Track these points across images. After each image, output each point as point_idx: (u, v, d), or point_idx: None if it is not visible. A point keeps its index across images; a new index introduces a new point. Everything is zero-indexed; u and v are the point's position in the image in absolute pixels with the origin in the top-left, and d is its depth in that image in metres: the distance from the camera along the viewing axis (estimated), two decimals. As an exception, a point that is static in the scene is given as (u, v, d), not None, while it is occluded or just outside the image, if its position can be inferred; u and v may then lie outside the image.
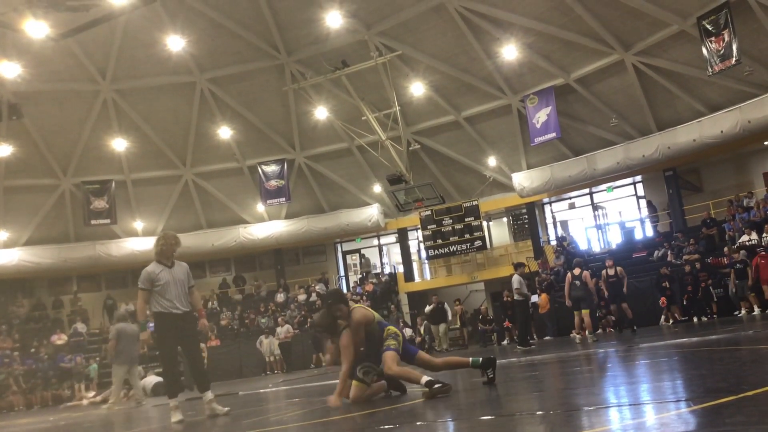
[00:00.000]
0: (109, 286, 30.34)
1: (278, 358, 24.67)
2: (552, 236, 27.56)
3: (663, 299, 19.29)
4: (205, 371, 8.22)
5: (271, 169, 27.87)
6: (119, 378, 13.21)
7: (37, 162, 26.37)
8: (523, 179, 25.69)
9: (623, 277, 16.91)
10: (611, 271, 16.90)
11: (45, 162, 26.62)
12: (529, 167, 25.86)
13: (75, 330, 27.15)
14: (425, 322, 23.89)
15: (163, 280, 7.78)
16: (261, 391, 13.41)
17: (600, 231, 26.65)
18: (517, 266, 16.71)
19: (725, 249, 19.50)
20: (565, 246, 24.97)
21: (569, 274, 16.01)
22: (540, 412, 4.79)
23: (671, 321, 19.10)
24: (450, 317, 23.07)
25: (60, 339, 26.12)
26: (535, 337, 20.84)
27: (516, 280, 16.04)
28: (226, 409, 7.87)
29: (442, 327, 23.22)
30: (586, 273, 15.98)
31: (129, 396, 15.52)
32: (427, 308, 23.85)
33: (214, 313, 28.15)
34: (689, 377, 6.28)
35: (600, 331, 17.36)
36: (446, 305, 23.80)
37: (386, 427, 5.06)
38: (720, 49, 19.31)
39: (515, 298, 16.36)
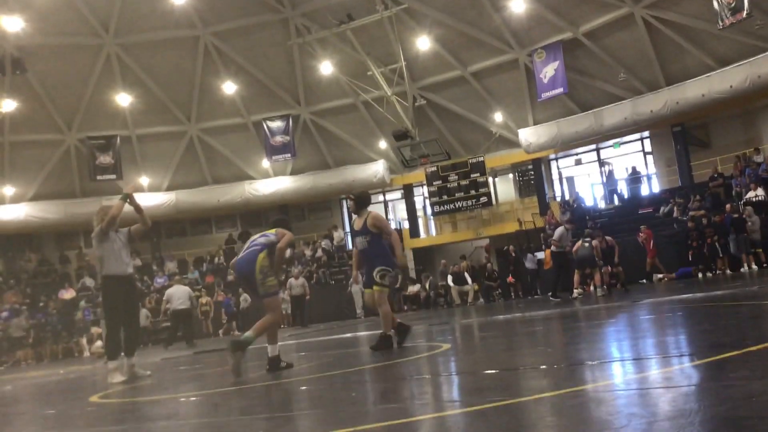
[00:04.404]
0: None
1: (286, 312, 24.80)
2: (558, 193, 27.47)
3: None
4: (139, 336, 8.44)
5: (276, 124, 27.75)
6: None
7: (42, 117, 26.30)
8: (529, 135, 25.53)
9: (614, 246, 17.36)
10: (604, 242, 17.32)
11: (50, 117, 26.54)
12: (535, 123, 25.68)
13: (83, 284, 27.39)
14: (448, 279, 23.64)
15: (116, 244, 7.86)
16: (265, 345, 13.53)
17: (606, 187, 26.55)
18: (568, 221, 17.05)
19: (727, 206, 19.44)
20: (571, 204, 24.93)
21: (579, 242, 16.20)
22: (543, 366, 4.83)
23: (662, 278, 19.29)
24: (470, 282, 23.05)
25: (69, 293, 26.35)
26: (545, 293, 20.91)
27: (558, 231, 16.23)
28: (148, 372, 8.12)
29: (466, 287, 23.10)
30: (595, 242, 16.30)
31: None
32: (452, 268, 23.55)
33: (221, 269, 28.33)
34: (693, 332, 6.31)
35: (604, 287, 17.39)
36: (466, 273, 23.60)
37: (392, 380, 5.11)
38: (731, 2, 18.98)
39: (552, 249, 16.57)
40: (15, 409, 7.20)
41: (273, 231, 6.98)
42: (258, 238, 6.90)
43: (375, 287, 7.46)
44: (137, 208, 8.03)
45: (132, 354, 8.06)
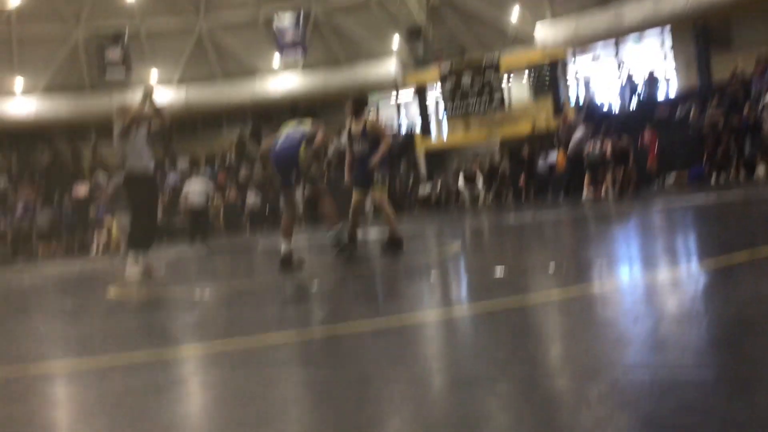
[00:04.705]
0: (128, 138, 30.47)
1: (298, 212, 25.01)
2: (573, 94, 26.96)
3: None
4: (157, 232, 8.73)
5: (287, 21, 27.12)
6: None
7: (49, 9, 25.79)
8: (546, 31, 24.81)
9: (628, 148, 16.98)
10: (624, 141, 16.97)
11: (57, 8, 26.03)
12: (553, 16, 24.93)
13: (97, 180, 27.54)
14: (459, 181, 23.60)
15: (136, 142, 7.91)
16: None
17: (623, 90, 26.00)
18: (588, 123, 16.80)
19: (746, 108, 19.02)
20: (585, 105, 24.50)
21: (590, 143, 15.95)
22: (552, 268, 4.87)
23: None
24: (481, 184, 23.04)
25: (83, 189, 26.50)
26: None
27: (579, 133, 16.02)
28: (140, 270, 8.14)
29: (477, 189, 23.08)
30: (606, 142, 15.99)
31: None
32: (466, 170, 23.44)
33: (233, 167, 28.39)
34: (702, 235, 6.32)
35: (616, 189, 17.34)
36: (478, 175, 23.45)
37: (402, 279, 5.18)
38: None
39: (570, 149, 16.44)
40: (34, 301, 7.40)
41: (306, 125, 7.02)
42: (294, 129, 6.95)
43: (379, 188, 7.46)
44: (156, 107, 8.10)
45: (149, 249, 8.19)
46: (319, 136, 6.95)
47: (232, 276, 7.66)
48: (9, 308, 6.79)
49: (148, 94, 7.98)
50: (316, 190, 7.10)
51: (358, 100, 7.70)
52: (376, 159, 7.23)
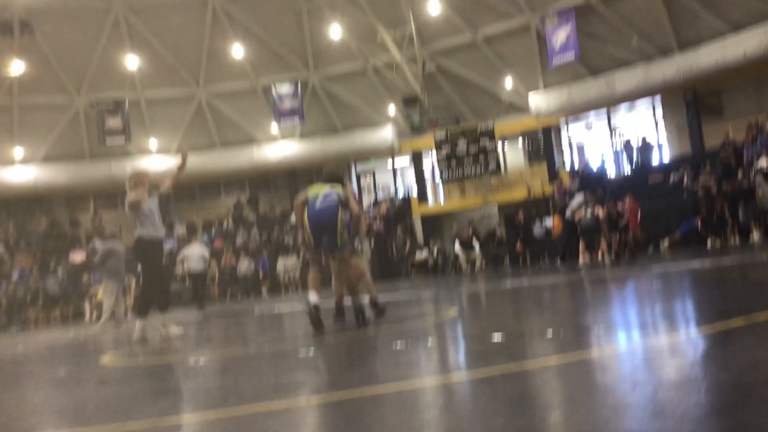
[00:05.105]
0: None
1: (293, 277, 25.03)
2: (567, 160, 27.31)
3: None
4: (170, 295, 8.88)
5: (285, 89, 27.61)
6: (113, 295, 13.28)
7: (51, 80, 26.25)
8: (539, 100, 25.31)
9: (623, 213, 17.06)
10: (619, 206, 17.04)
11: (58, 79, 26.49)
12: (546, 87, 25.44)
13: (93, 247, 27.52)
14: (456, 245, 23.61)
15: (148, 208, 8.18)
16: (276, 310, 13.65)
17: (616, 154, 26.36)
18: (592, 192, 16.90)
19: (738, 173, 19.28)
20: (580, 171, 24.78)
21: (582, 209, 16.07)
22: (550, 333, 4.85)
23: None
24: (478, 249, 23.09)
25: (79, 256, 26.50)
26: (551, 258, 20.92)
27: (578, 199, 16.16)
28: (180, 330, 8.46)
29: (474, 254, 23.09)
30: (599, 209, 16.10)
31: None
32: (462, 235, 23.47)
33: (230, 233, 28.46)
34: (699, 300, 6.31)
35: (612, 254, 17.36)
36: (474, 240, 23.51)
37: (399, 345, 5.14)
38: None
39: (567, 216, 16.55)
40: (27, 369, 7.31)
41: (338, 188, 7.08)
42: (329, 192, 6.97)
43: (358, 256, 7.57)
44: (181, 168, 8.46)
45: (165, 311, 8.33)
46: (354, 204, 7.02)
47: (228, 342, 7.59)
48: (2, 376, 6.70)
49: (184, 157, 8.37)
50: (342, 257, 7.08)
51: (332, 171, 7.63)
52: (357, 233, 7.37)
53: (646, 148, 25.06)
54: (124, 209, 8.22)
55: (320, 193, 6.97)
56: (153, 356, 6.76)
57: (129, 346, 7.68)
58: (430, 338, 5.56)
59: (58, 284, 23.79)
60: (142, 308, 8.31)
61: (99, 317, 15.49)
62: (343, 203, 6.93)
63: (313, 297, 6.79)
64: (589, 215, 15.89)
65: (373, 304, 7.55)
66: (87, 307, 22.93)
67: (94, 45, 26.01)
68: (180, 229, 28.58)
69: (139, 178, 8.32)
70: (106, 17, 25.55)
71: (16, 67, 24.52)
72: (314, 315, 6.64)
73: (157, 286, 8.37)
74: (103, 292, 13.71)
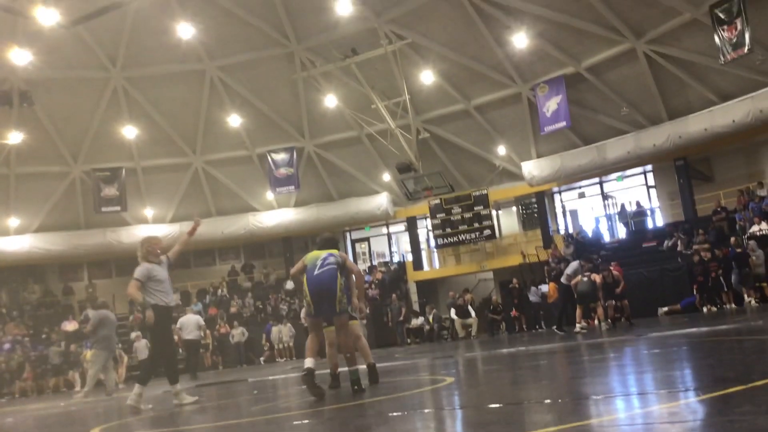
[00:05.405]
0: (120, 273, 30.44)
1: (287, 345, 24.81)
2: (561, 226, 27.47)
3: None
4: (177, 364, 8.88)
5: (281, 157, 27.89)
6: (99, 365, 13.14)
7: (48, 149, 26.46)
8: (532, 168, 25.61)
9: (619, 280, 17.06)
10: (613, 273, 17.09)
11: (56, 149, 26.71)
12: (538, 156, 25.77)
13: (86, 316, 27.28)
14: (451, 312, 23.49)
15: (160, 276, 8.14)
16: (270, 378, 13.48)
17: (609, 221, 26.56)
18: (587, 260, 16.98)
19: (731, 239, 19.43)
20: (575, 237, 24.91)
21: (578, 277, 16.12)
22: (548, 401, 4.81)
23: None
24: (473, 315, 22.99)
25: (71, 325, 26.25)
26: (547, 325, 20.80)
27: (572, 266, 16.25)
28: (195, 398, 8.40)
29: (469, 320, 22.95)
30: (595, 276, 16.17)
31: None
32: (458, 301, 23.40)
33: (224, 300, 28.29)
34: (697, 367, 6.28)
35: (609, 321, 17.28)
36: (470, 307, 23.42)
37: (395, 414, 5.08)
38: (732, 37, 19.14)
39: (562, 281, 16.59)
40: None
41: (335, 251, 7.13)
42: (327, 256, 7.01)
43: (353, 321, 7.57)
44: (190, 234, 8.67)
45: (176, 381, 8.25)
46: (352, 264, 7.12)
47: (222, 412, 7.47)
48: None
49: (196, 225, 8.61)
50: (341, 323, 7.05)
51: (329, 239, 7.68)
52: (358, 303, 7.44)
53: (641, 212, 25.27)
54: (134, 277, 8.01)
55: (318, 258, 6.99)
56: (144, 428, 6.64)
57: (119, 416, 7.53)
58: (426, 407, 5.50)
59: (59, 353, 23.36)
60: (145, 376, 8.16)
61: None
62: (341, 266, 6.95)
63: (308, 362, 6.77)
64: (585, 280, 15.91)
65: (371, 368, 7.56)
66: (77, 376, 22.60)
67: (93, 115, 26.36)
68: (174, 297, 28.40)
69: (152, 244, 8.29)
70: (104, 88, 25.97)
71: (15, 138, 24.75)
72: (309, 380, 6.59)
73: (167, 354, 8.28)
74: (91, 360, 13.56)
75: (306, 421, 5.41)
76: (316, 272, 6.87)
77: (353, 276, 7.18)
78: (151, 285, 7.98)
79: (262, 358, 24.88)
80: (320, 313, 6.89)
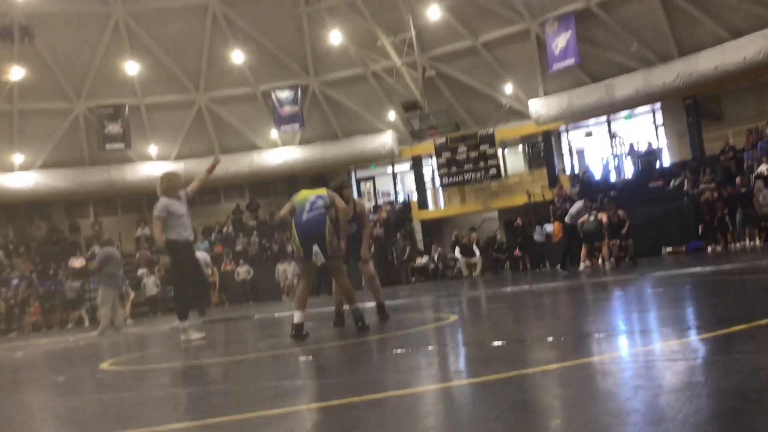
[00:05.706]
0: (125, 210, 30.61)
1: (293, 283, 24.99)
2: (568, 165, 27.31)
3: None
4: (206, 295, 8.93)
5: (285, 94, 27.61)
6: (110, 302, 13.29)
7: (51, 85, 26.24)
8: (539, 106, 25.32)
9: (624, 219, 17.06)
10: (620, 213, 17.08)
11: (58, 86, 26.49)
12: (546, 94, 25.45)
13: (92, 253, 27.49)
14: (456, 251, 23.61)
15: (179, 211, 8.13)
16: (276, 315, 13.63)
17: (617, 160, 26.36)
18: (593, 198, 16.98)
19: (737, 179, 19.30)
20: (581, 176, 24.78)
21: (586, 216, 16.07)
22: (550, 338, 4.84)
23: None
24: (478, 254, 23.09)
25: (79, 262, 26.48)
26: (550, 264, 20.88)
27: (577, 206, 16.20)
28: (202, 334, 8.41)
29: (474, 259, 23.09)
30: (602, 215, 16.15)
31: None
32: (463, 240, 23.49)
33: (230, 238, 28.43)
34: (700, 306, 6.30)
35: (613, 260, 17.34)
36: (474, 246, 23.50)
37: (399, 350, 5.13)
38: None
39: (566, 221, 16.55)
40: (27, 375, 7.29)
41: (323, 192, 7.09)
42: (315, 199, 6.96)
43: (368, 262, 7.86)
44: (209, 171, 8.80)
45: (204, 313, 8.35)
46: (339, 201, 7.05)
47: (228, 348, 7.56)
48: (1, 382, 6.68)
49: (216, 162, 8.75)
50: (335, 265, 7.08)
51: (318, 178, 7.72)
52: (366, 252, 7.73)
53: (650, 152, 25.04)
54: (155, 216, 8.02)
55: (306, 201, 6.95)
56: (152, 362, 6.74)
57: (127, 350, 7.62)
58: (430, 344, 5.55)
59: (75, 289, 23.60)
60: (181, 312, 8.21)
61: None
62: (329, 208, 6.94)
63: (297, 316, 6.78)
64: (593, 219, 15.89)
65: (380, 308, 7.62)
66: (84, 314, 22.96)
67: (94, 51, 26.02)
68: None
69: (172, 180, 8.29)
70: (106, 23, 25.57)
71: (16, 73, 24.52)
72: (296, 336, 6.66)
73: (193, 286, 8.38)
74: (100, 300, 13.71)
75: (311, 358, 5.47)
76: (304, 216, 6.84)
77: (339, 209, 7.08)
78: (171, 220, 8.01)
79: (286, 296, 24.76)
80: (310, 257, 6.89)
